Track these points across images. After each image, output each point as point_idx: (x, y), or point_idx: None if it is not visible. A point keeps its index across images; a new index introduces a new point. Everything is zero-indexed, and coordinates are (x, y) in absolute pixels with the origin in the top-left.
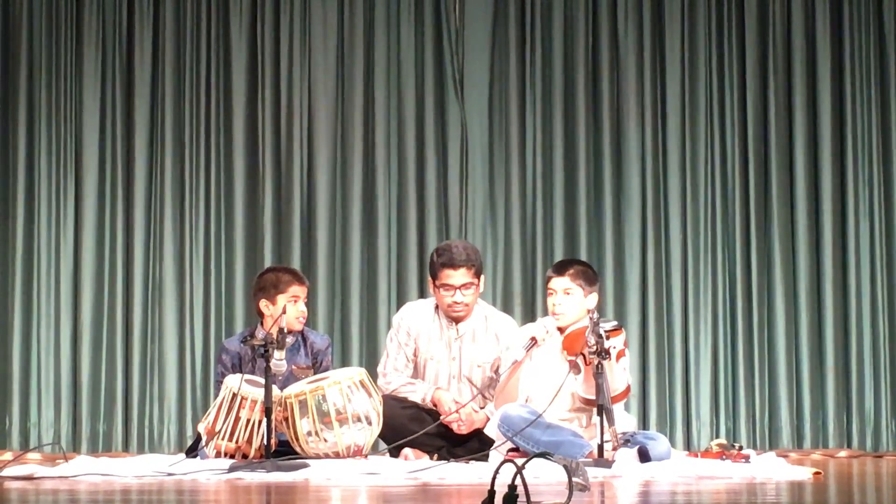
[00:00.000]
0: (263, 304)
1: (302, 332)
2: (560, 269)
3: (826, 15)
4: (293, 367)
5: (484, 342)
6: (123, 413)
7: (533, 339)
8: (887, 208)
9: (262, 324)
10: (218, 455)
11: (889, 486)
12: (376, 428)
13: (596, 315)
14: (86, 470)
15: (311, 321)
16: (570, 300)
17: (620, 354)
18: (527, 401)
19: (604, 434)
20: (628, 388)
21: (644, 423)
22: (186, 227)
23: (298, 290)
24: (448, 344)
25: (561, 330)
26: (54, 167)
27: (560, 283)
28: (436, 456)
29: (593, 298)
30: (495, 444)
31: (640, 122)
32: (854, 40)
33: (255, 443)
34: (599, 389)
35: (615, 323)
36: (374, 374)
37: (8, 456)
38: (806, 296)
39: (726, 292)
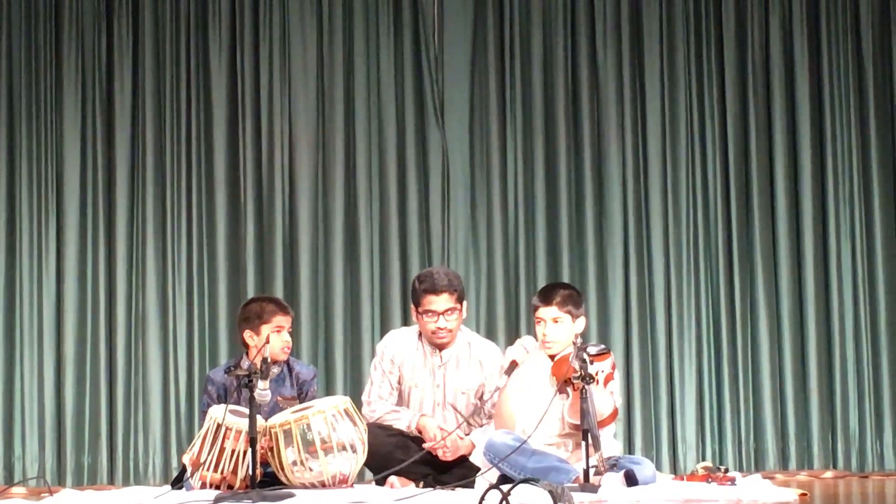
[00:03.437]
0: (248, 334)
1: (288, 363)
2: (546, 297)
3: (804, 35)
4: (278, 397)
5: (468, 369)
6: (108, 445)
7: (513, 362)
8: (868, 228)
9: (247, 354)
10: (203, 486)
11: None
12: (361, 456)
13: (580, 340)
14: (71, 503)
15: (294, 350)
16: (559, 328)
17: (608, 378)
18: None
19: (589, 459)
20: (615, 412)
21: (629, 446)
22: (168, 258)
23: (282, 320)
24: (432, 371)
25: (551, 357)
26: (35, 200)
27: (548, 313)
28: (422, 483)
29: (581, 322)
30: (481, 471)
31: (620, 146)
32: (832, 59)
33: (241, 473)
34: (584, 414)
35: (602, 347)
36: (358, 403)
37: None
38: (789, 318)
39: (710, 315)
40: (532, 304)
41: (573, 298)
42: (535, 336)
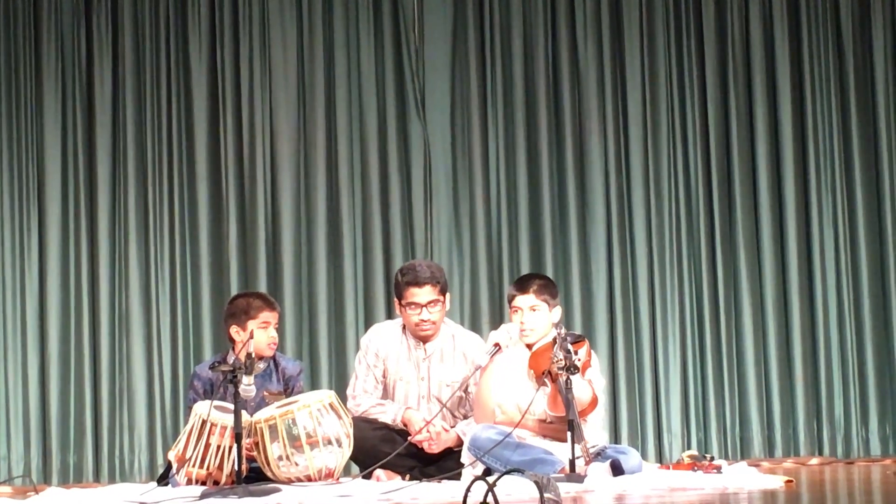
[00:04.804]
0: (234, 329)
1: (274, 358)
2: (522, 286)
3: (784, 24)
4: (265, 392)
5: (452, 361)
6: (93, 443)
7: (497, 345)
8: (850, 215)
9: (233, 349)
10: (189, 482)
11: (860, 491)
12: (347, 450)
13: (563, 330)
14: (57, 502)
15: (279, 345)
16: (536, 316)
17: (585, 366)
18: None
19: (574, 449)
20: (595, 400)
21: (615, 436)
22: (151, 256)
23: (269, 316)
24: (416, 364)
25: (529, 347)
26: (17, 198)
27: (525, 301)
28: (408, 476)
29: (557, 311)
30: (467, 463)
31: (602, 137)
32: (813, 48)
33: (226, 469)
34: (569, 404)
35: (577, 334)
36: (343, 397)
37: None
38: (773, 305)
39: (693, 304)
40: (508, 294)
41: (549, 287)
42: None
